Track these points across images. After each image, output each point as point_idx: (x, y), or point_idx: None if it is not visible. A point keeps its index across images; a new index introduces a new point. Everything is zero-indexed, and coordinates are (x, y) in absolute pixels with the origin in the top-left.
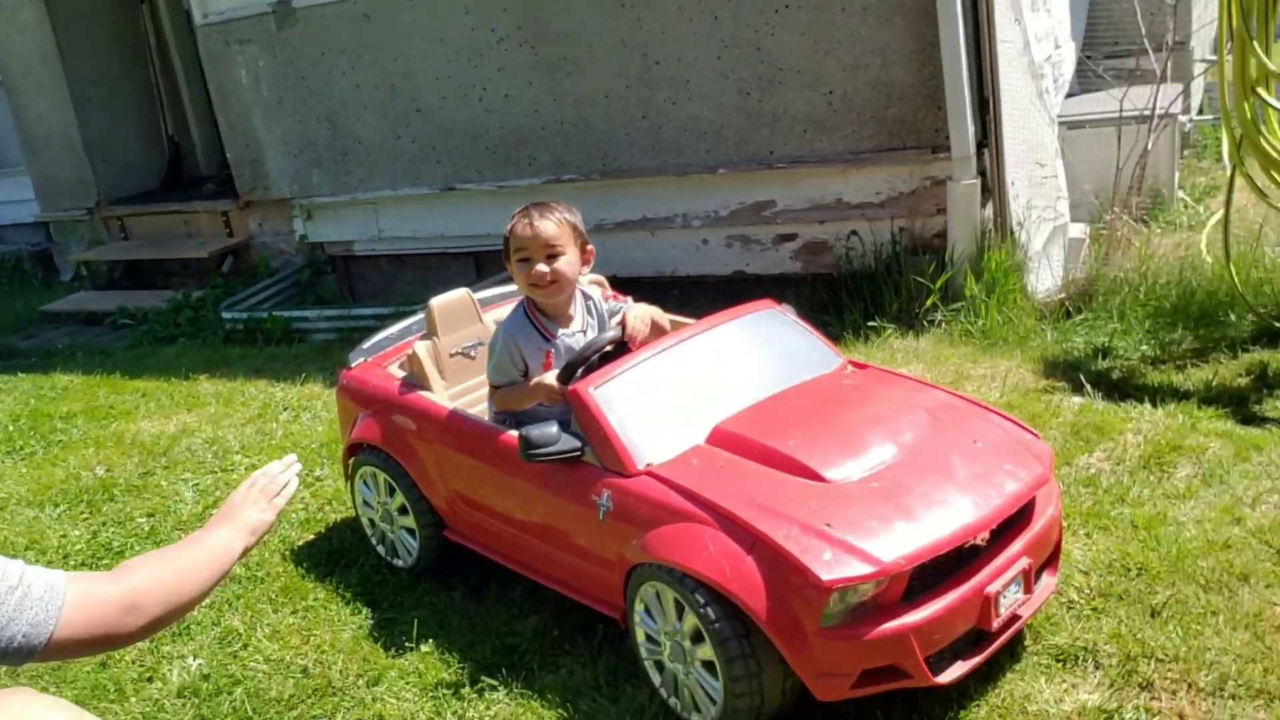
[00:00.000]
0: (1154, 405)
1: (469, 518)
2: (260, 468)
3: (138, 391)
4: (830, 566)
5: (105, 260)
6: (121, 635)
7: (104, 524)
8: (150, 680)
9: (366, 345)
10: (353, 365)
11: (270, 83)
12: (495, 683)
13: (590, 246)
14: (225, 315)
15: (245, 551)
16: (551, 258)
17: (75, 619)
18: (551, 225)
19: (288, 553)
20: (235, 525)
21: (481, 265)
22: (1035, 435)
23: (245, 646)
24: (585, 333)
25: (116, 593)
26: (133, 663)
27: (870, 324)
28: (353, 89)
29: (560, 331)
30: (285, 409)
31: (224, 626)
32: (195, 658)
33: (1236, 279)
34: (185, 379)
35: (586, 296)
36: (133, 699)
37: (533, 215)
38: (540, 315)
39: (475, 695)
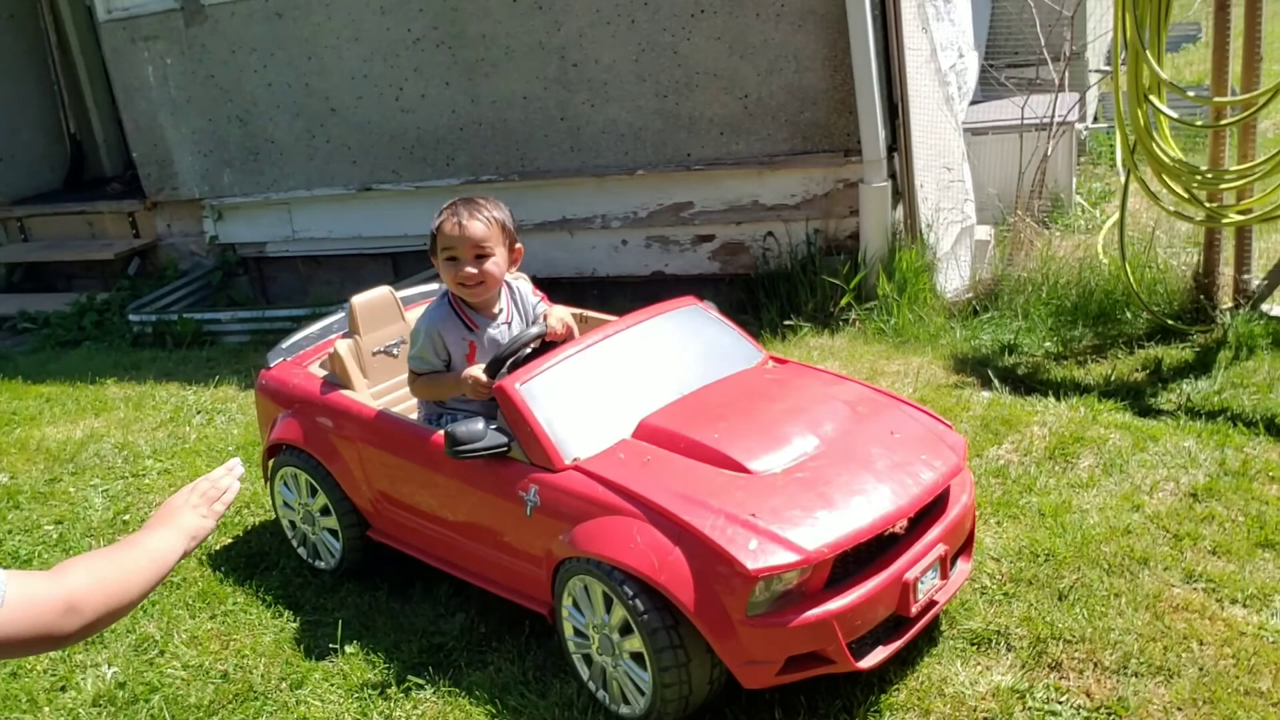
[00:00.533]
0: (1057, 399)
1: (394, 517)
2: (174, 472)
3: (41, 396)
4: (756, 556)
5: (4, 263)
6: (59, 636)
7: (10, 532)
8: (64, 689)
9: (286, 345)
10: (271, 365)
11: (178, 81)
12: (422, 681)
13: (519, 245)
14: (133, 318)
15: (183, 555)
16: (480, 258)
17: (14, 619)
18: (481, 226)
19: (205, 557)
20: (175, 528)
21: (399, 266)
22: (949, 427)
23: (162, 653)
24: (510, 325)
25: (56, 593)
26: (44, 672)
27: (787, 323)
28: (265, 88)
29: (485, 323)
30: (199, 412)
31: (139, 633)
32: (110, 666)
33: (1132, 279)
34: (92, 383)
35: (512, 288)
36: (46, 709)
37: (462, 214)
38: (465, 306)
39: (402, 695)
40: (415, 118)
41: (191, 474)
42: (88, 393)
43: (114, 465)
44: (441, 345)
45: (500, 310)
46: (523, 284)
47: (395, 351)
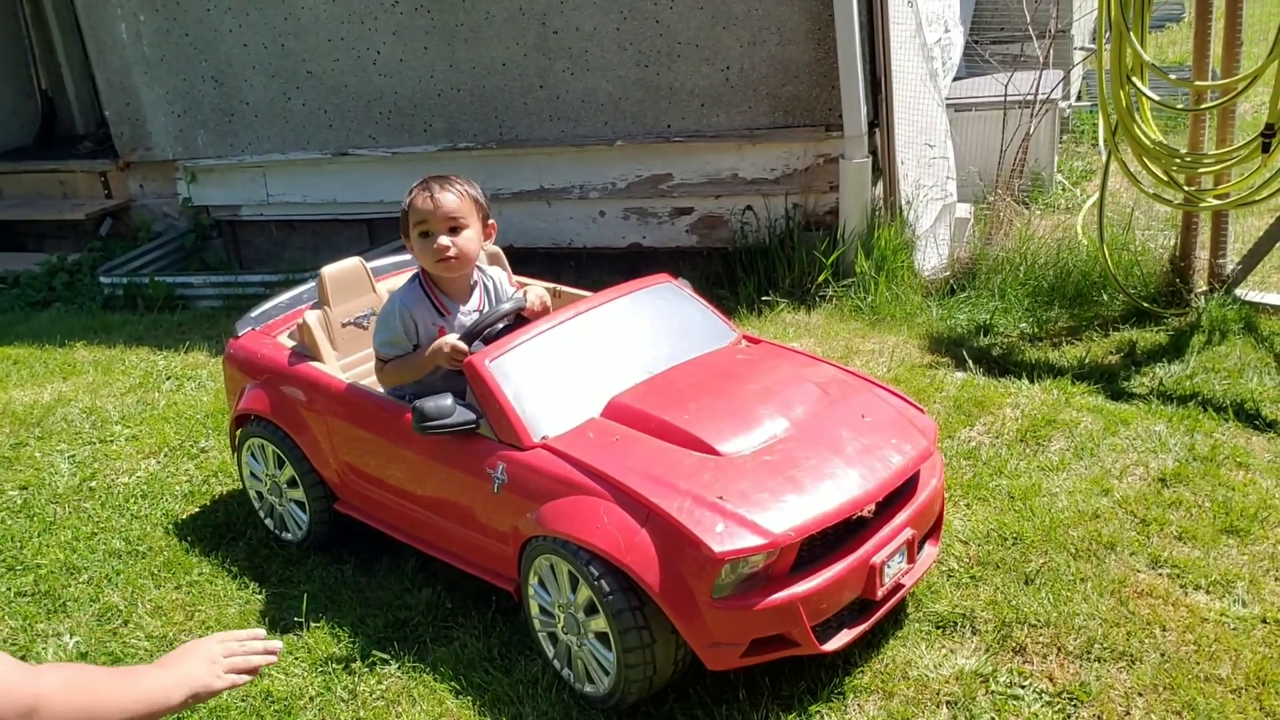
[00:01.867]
0: (1031, 381)
1: (361, 491)
2: (142, 439)
3: (8, 359)
4: (722, 538)
5: None
6: None
7: None
8: (23, 659)
9: (255, 314)
10: (240, 334)
11: (152, 39)
12: (387, 656)
13: (492, 221)
14: (104, 280)
15: (178, 708)
16: (454, 230)
17: None
18: (453, 197)
19: (171, 526)
20: (180, 676)
21: (375, 232)
22: (921, 410)
23: (126, 623)
24: (481, 312)
25: (26, 690)
26: (4, 641)
27: (764, 298)
28: (240, 48)
29: (455, 307)
30: (168, 378)
31: (103, 603)
32: (72, 635)
33: (1109, 260)
34: (61, 346)
35: (486, 276)
36: None
37: (433, 188)
38: (437, 290)
39: (366, 669)
40: (392, 82)
41: (160, 441)
42: (56, 355)
43: (81, 430)
44: (413, 330)
45: (474, 296)
46: (499, 274)
47: (365, 323)
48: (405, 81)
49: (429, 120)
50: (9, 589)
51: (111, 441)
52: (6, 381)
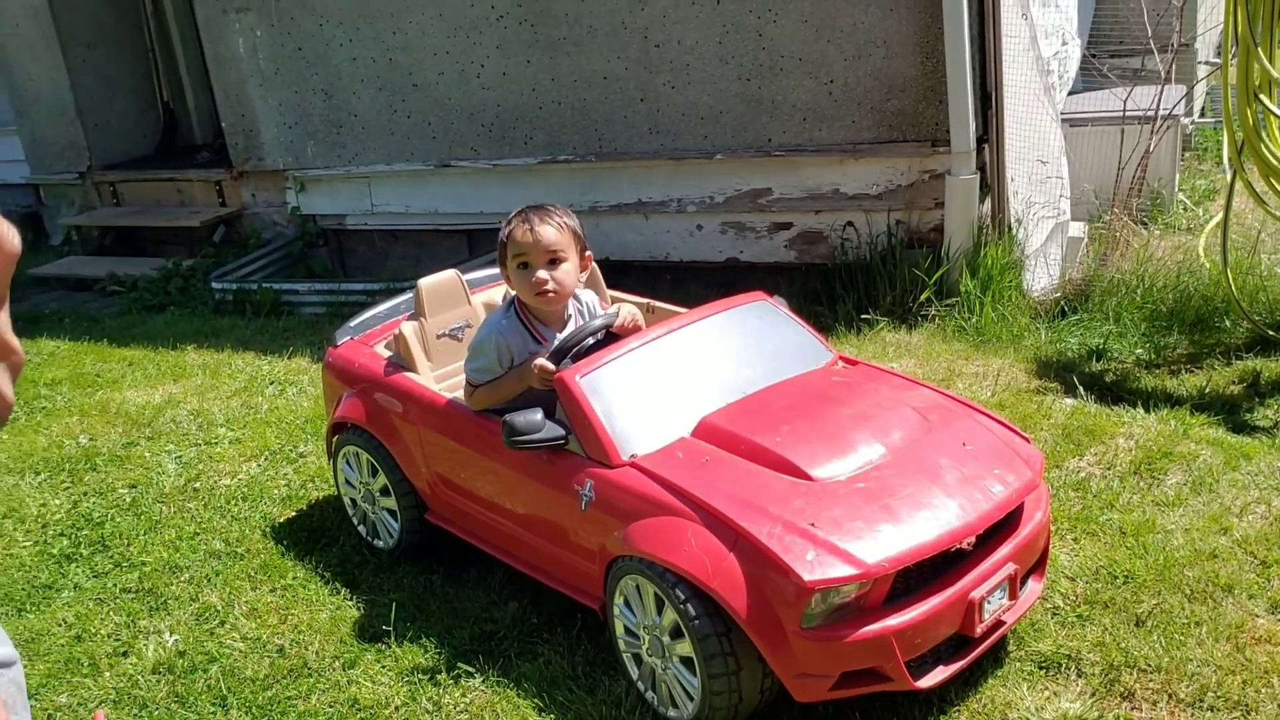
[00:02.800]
0: (1146, 410)
1: (451, 501)
2: (245, 441)
3: (124, 360)
4: (813, 567)
5: (96, 225)
6: None
7: (85, 494)
8: (125, 655)
9: (353, 323)
10: (339, 343)
11: (267, 52)
12: (472, 669)
13: (589, 253)
14: (215, 285)
15: None
16: (554, 263)
17: None
18: (553, 230)
19: (268, 529)
20: None
21: (474, 243)
22: (1026, 439)
23: (222, 624)
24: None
25: None
26: (108, 636)
27: (864, 316)
28: (349, 61)
29: (552, 335)
30: (271, 383)
31: (202, 602)
32: (172, 634)
33: (1233, 285)
34: (173, 349)
35: (580, 301)
36: (107, 674)
37: (533, 220)
38: (533, 319)
39: (451, 682)
40: (495, 95)
41: (261, 445)
42: (168, 358)
43: (188, 432)
44: (508, 356)
45: (569, 325)
46: (591, 298)
47: (460, 335)
48: (507, 94)
49: (529, 132)
50: (115, 585)
51: (216, 444)
52: (121, 382)
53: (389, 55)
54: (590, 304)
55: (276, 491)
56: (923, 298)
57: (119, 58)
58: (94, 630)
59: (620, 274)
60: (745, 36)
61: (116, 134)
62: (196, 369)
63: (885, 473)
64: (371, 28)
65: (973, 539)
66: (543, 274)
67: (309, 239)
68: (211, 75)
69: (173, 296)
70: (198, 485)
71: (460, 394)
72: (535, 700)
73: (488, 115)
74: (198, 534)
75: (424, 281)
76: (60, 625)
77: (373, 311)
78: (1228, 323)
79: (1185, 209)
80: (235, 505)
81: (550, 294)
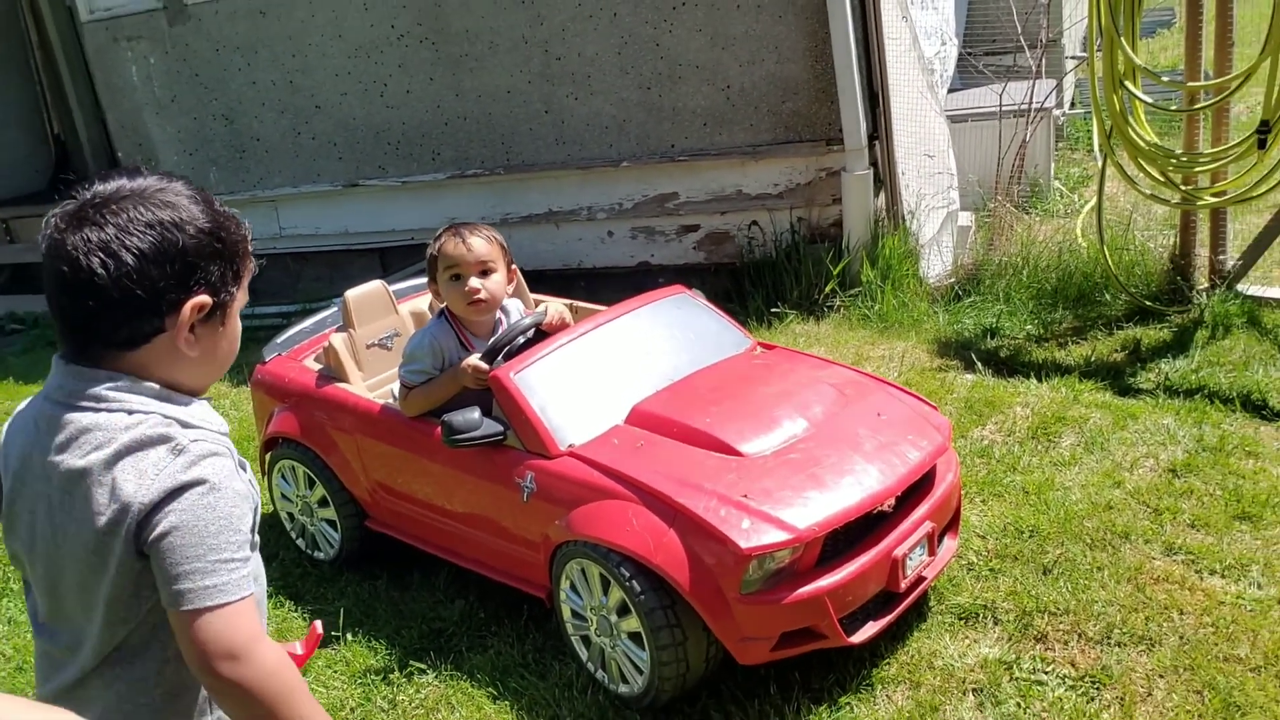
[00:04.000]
0: (1039, 380)
1: (391, 507)
2: None
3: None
4: (749, 535)
5: None
6: None
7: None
8: None
9: (280, 340)
10: (267, 360)
11: (162, 80)
12: (424, 666)
13: (515, 266)
14: None
15: None
16: (484, 274)
17: None
18: (483, 242)
19: None
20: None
21: (386, 261)
22: (934, 408)
23: None
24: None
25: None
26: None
27: (773, 310)
28: (249, 85)
29: (481, 345)
30: None
31: None
32: None
33: (1110, 261)
34: None
35: (504, 312)
36: None
37: (463, 233)
38: (462, 327)
39: (404, 679)
40: (400, 113)
41: None
42: None
43: None
44: (442, 359)
45: (497, 329)
46: (516, 306)
47: (389, 344)
48: (412, 112)
49: (437, 148)
50: None
51: None
52: None
53: (289, 78)
54: (515, 312)
55: None
56: (827, 289)
57: (5, 92)
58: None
59: (535, 283)
60: (643, 46)
61: (6, 170)
62: None
63: (809, 444)
64: (270, 52)
65: (893, 501)
66: (475, 282)
67: None
68: (104, 106)
69: None
70: None
71: (394, 400)
72: (489, 690)
73: (394, 133)
74: None
75: (351, 293)
76: (0, 658)
77: (299, 327)
78: (1108, 296)
79: (1062, 195)
80: None
81: (482, 302)
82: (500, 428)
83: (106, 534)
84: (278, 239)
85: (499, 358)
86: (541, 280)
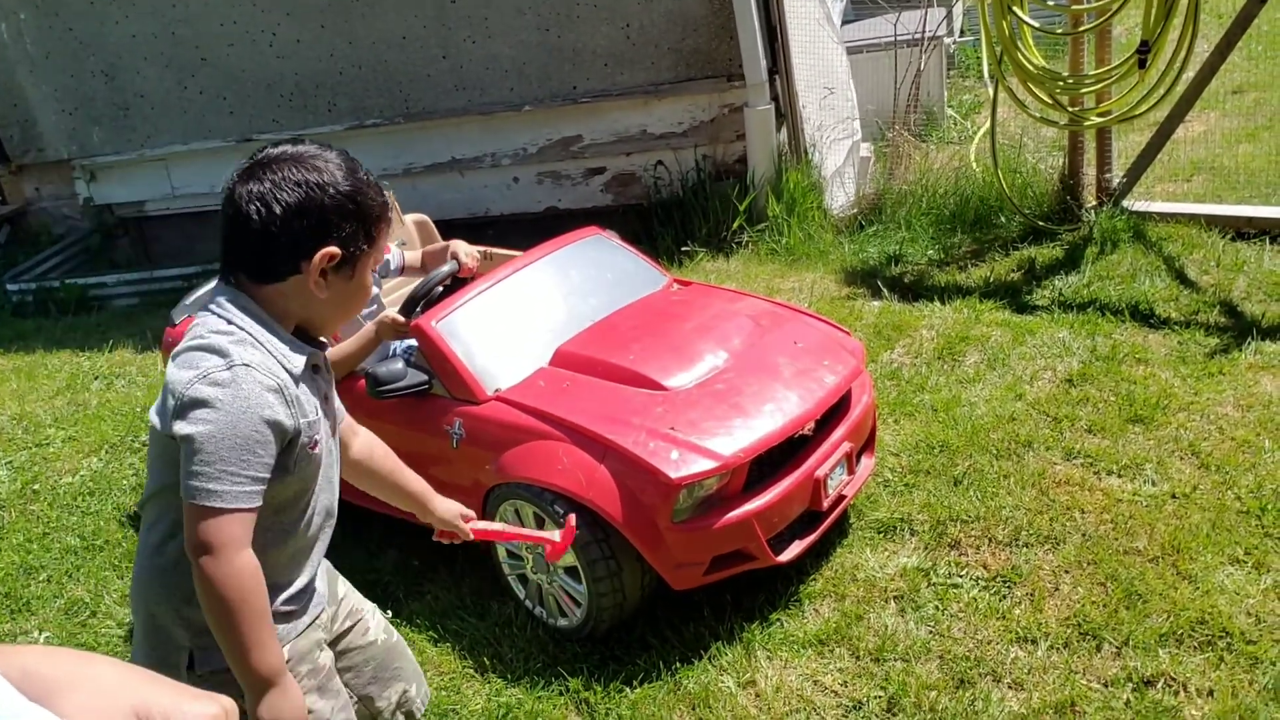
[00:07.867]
0: (942, 303)
1: None
2: (80, 439)
3: None
4: (678, 465)
5: None
6: None
7: None
8: None
9: (188, 301)
10: (177, 321)
11: (34, 35)
12: None
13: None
14: (10, 287)
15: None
16: None
17: None
18: None
19: (124, 519)
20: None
21: None
22: (847, 333)
23: (94, 614)
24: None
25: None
26: None
27: (683, 249)
28: (129, 39)
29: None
30: (96, 378)
31: (67, 598)
32: (41, 631)
33: (1004, 185)
34: None
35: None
36: None
37: None
38: None
39: None
40: (291, 63)
41: (99, 439)
42: None
43: (15, 436)
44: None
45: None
46: (395, 255)
47: None
48: (305, 62)
49: (332, 99)
50: None
51: (48, 444)
52: None
53: (171, 30)
54: (395, 261)
55: (125, 482)
56: (735, 226)
57: None
58: None
59: (444, 231)
60: None
61: None
62: (9, 373)
63: (730, 375)
64: (148, 3)
65: (812, 424)
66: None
67: (107, 230)
68: None
69: None
70: (36, 487)
71: None
72: (430, 633)
73: (286, 85)
74: (48, 533)
75: None
76: None
77: (208, 286)
78: (1003, 219)
79: (955, 122)
80: (83, 500)
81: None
82: (425, 377)
83: (162, 405)
84: (172, 199)
85: (418, 308)
86: (450, 229)
